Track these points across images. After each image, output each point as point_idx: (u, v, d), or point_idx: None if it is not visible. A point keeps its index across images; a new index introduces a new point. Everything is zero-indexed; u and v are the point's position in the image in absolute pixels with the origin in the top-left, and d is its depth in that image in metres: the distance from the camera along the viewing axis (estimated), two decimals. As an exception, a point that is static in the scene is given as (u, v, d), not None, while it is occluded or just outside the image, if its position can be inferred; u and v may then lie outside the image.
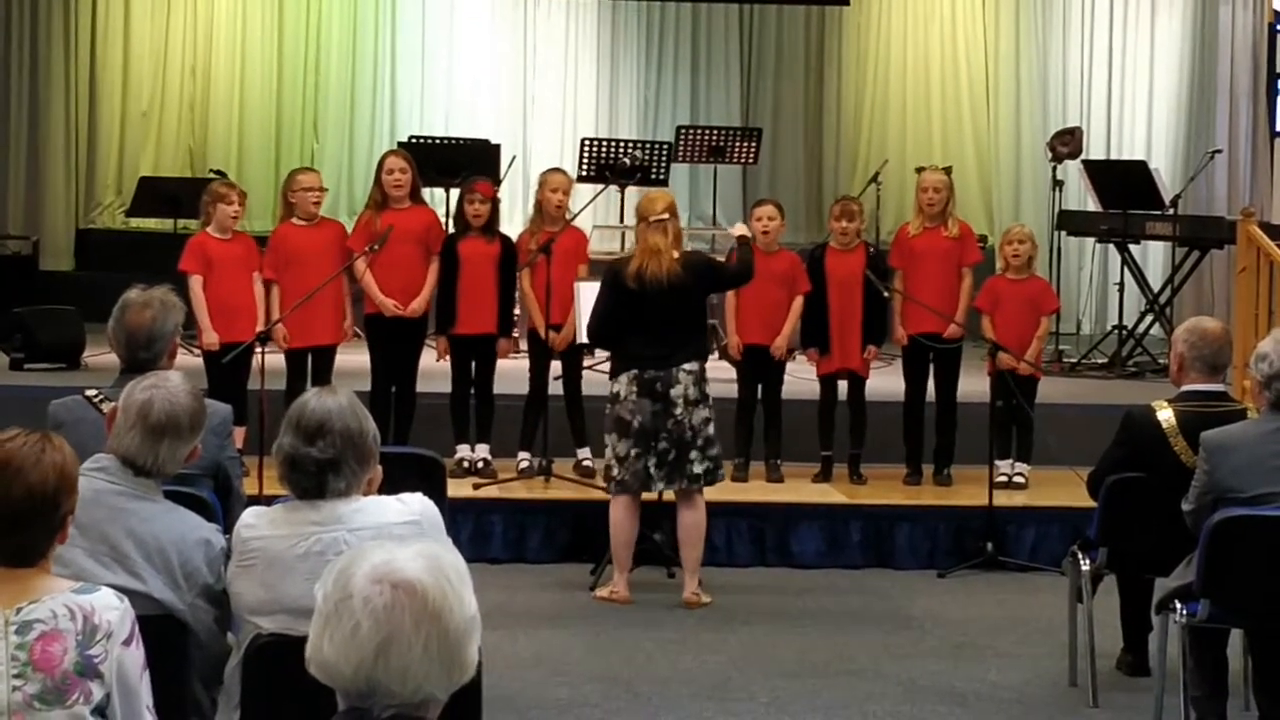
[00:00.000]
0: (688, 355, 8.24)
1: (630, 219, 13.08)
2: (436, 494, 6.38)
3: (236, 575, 4.12)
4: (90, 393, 5.48)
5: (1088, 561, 6.86)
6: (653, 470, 8.22)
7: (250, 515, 4.16)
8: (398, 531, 3.98)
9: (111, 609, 3.35)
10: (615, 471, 8.29)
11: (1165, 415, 6.50)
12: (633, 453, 8.20)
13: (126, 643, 3.36)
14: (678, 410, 8.19)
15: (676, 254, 8.26)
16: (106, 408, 4.94)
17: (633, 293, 8.19)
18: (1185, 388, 6.56)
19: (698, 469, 8.23)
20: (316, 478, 4.06)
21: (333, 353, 9.82)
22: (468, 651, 2.54)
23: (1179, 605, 6.04)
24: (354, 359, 10.03)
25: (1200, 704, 6.14)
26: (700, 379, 8.27)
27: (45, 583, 3.39)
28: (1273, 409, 5.96)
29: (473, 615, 2.55)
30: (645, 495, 8.40)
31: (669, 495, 8.45)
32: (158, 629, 4.03)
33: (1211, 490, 5.98)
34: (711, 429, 8.29)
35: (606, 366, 9.87)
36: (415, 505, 4.14)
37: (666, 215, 8.29)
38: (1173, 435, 6.44)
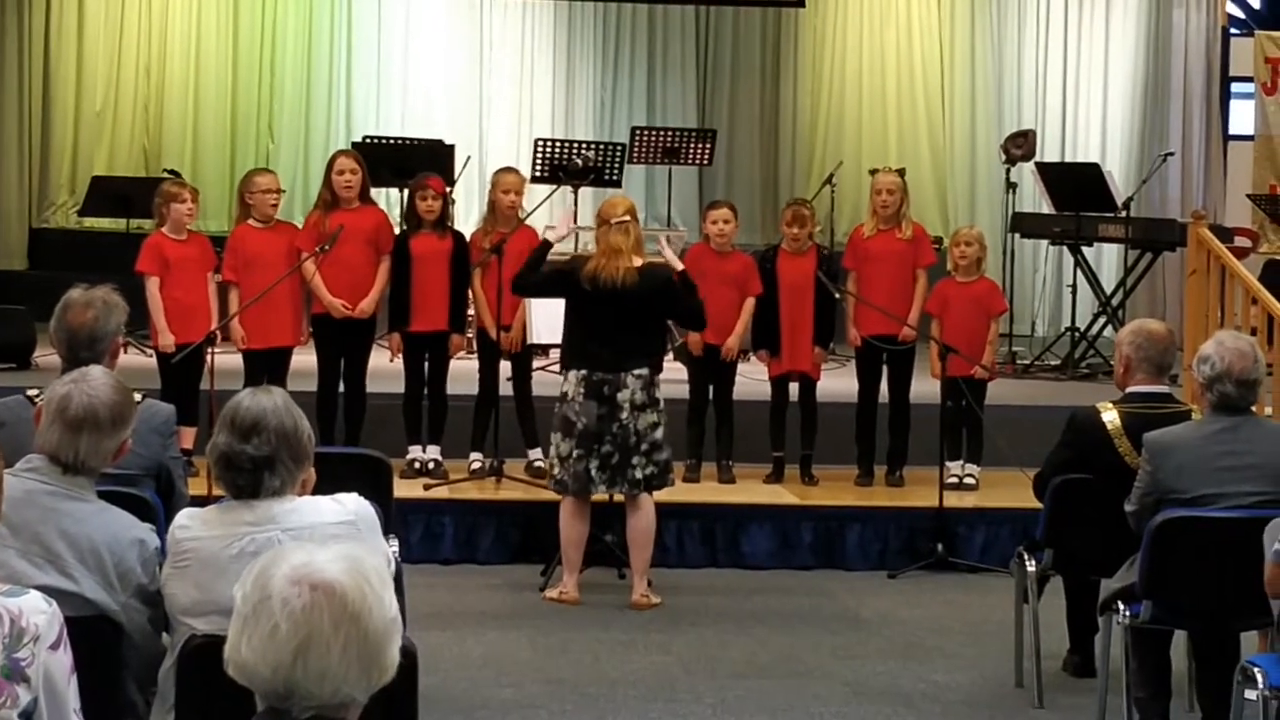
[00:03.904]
0: (638, 360, 8.24)
1: (583, 220, 13.10)
2: (383, 494, 6.42)
3: (171, 576, 4.10)
4: (32, 393, 5.45)
5: (1033, 563, 6.89)
6: (594, 472, 8.22)
7: (184, 516, 4.14)
8: (333, 532, 3.97)
9: (39, 612, 3.31)
10: (556, 470, 8.31)
11: (1110, 416, 6.52)
12: (575, 454, 8.21)
13: (54, 647, 3.32)
14: (623, 414, 8.19)
15: (638, 260, 8.27)
16: (42, 406, 4.91)
17: (586, 293, 8.21)
18: (1130, 389, 6.59)
19: (639, 474, 8.23)
20: (251, 475, 4.04)
21: (289, 354, 9.81)
22: (388, 653, 2.53)
23: (1122, 606, 6.07)
24: (309, 360, 10.00)
25: (1143, 705, 6.17)
26: (649, 384, 8.27)
27: (-30, 585, 3.36)
28: (1215, 411, 5.99)
29: (393, 617, 2.54)
30: (596, 497, 8.40)
31: (619, 497, 8.46)
32: (91, 630, 4.01)
33: (1154, 491, 6.00)
34: (659, 434, 8.29)
35: (554, 365, 9.91)
36: (350, 505, 4.13)
37: (627, 218, 8.31)
38: (1117, 436, 6.46)
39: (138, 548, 4.19)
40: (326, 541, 2.81)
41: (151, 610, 4.20)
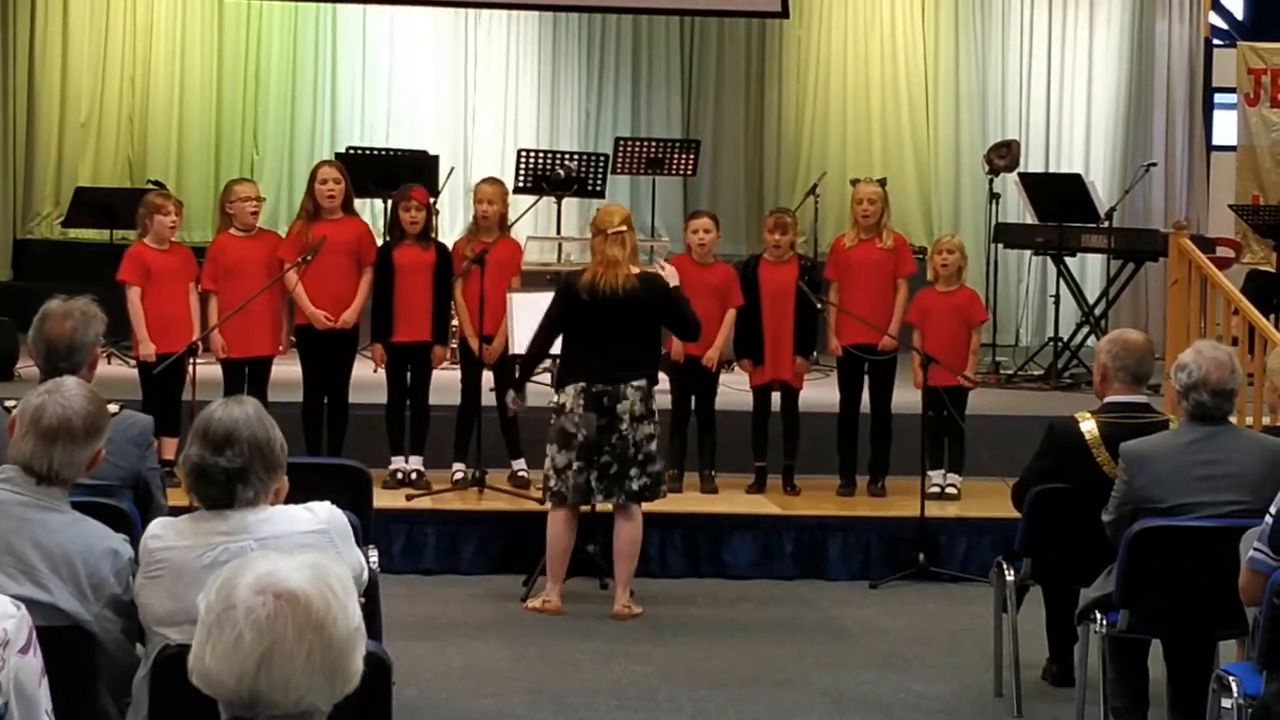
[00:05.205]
0: (637, 371, 8.23)
1: (566, 230, 13.14)
2: (362, 505, 6.42)
3: (144, 586, 4.10)
4: (9, 403, 5.44)
5: (1012, 572, 6.90)
6: (594, 483, 8.21)
7: (157, 526, 4.15)
8: (305, 541, 3.97)
9: (7, 617, 3.32)
10: (552, 483, 8.29)
11: (1088, 426, 6.53)
12: (574, 465, 8.19)
13: (24, 650, 3.33)
14: (623, 426, 8.18)
15: (635, 269, 8.27)
16: (16, 417, 4.91)
17: (585, 304, 8.18)
18: (1108, 399, 6.60)
19: (635, 485, 8.23)
20: (225, 487, 4.05)
21: (269, 364, 9.81)
22: (352, 662, 2.53)
23: (1099, 615, 6.08)
24: (289, 370, 10.01)
25: (1121, 714, 6.18)
26: (647, 395, 8.27)
27: (-60, 593, 3.36)
28: (1191, 420, 6.00)
29: (357, 626, 2.54)
30: (586, 507, 8.40)
31: (604, 506, 8.44)
32: (65, 640, 4.02)
33: (1130, 500, 6.02)
34: (654, 445, 8.29)
35: (543, 378, 9.91)
36: (323, 514, 4.13)
37: (624, 228, 8.29)
38: (1095, 446, 6.47)
39: (111, 558, 4.20)
40: (295, 550, 2.80)
41: (125, 620, 4.20)
